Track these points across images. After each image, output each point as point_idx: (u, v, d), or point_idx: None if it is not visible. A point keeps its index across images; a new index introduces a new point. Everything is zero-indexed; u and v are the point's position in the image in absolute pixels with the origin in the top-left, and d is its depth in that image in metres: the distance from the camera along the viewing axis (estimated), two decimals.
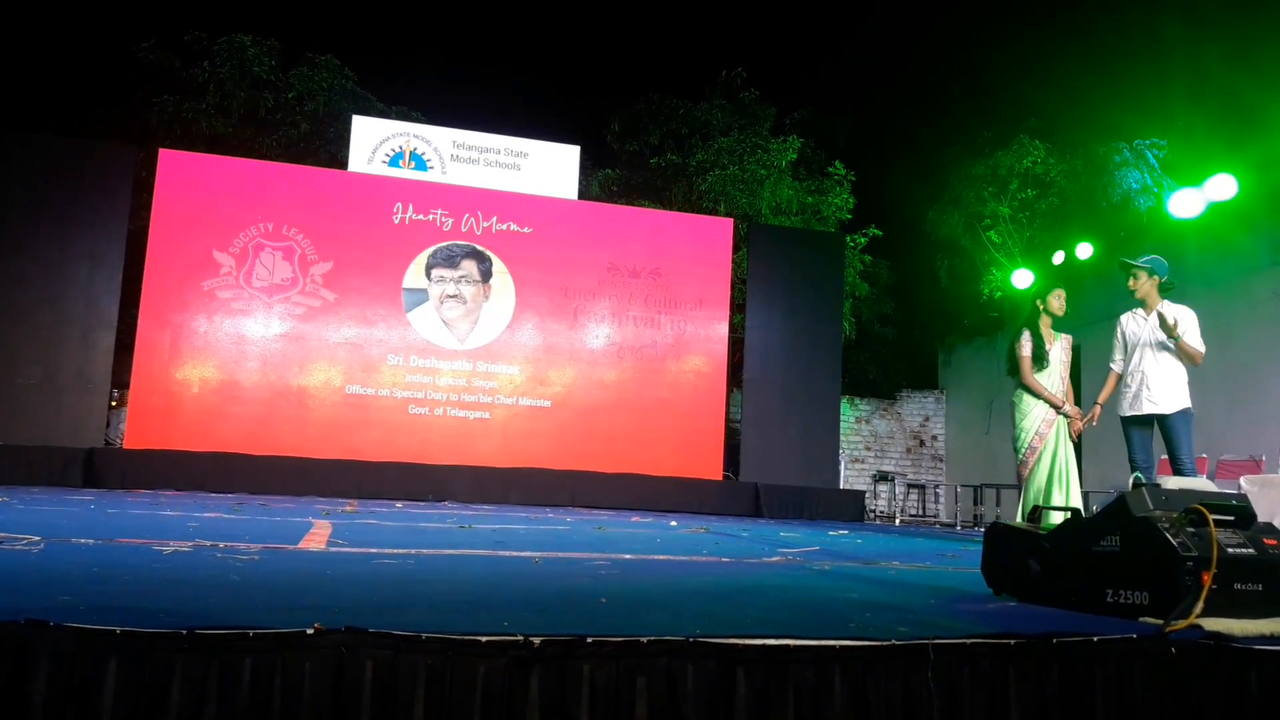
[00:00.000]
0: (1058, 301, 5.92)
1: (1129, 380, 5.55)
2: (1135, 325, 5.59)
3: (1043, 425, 5.75)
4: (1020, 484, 5.83)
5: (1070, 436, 5.78)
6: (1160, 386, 5.39)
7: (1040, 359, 5.79)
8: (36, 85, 14.48)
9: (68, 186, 9.13)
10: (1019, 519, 5.86)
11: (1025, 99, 14.25)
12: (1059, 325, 6.00)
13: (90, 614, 1.61)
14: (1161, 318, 5.22)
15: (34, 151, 9.22)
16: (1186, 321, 5.39)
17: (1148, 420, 5.44)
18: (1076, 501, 5.73)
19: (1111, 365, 5.69)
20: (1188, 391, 5.42)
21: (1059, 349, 5.86)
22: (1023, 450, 5.75)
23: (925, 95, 17.86)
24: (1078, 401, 5.93)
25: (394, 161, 10.26)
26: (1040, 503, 5.68)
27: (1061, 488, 5.69)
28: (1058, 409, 5.70)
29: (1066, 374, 5.87)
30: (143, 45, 14.05)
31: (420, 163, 10.33)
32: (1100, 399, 5.69)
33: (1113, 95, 12.85)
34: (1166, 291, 5.54)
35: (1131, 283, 5.54)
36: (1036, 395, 5.73)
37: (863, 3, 20.23)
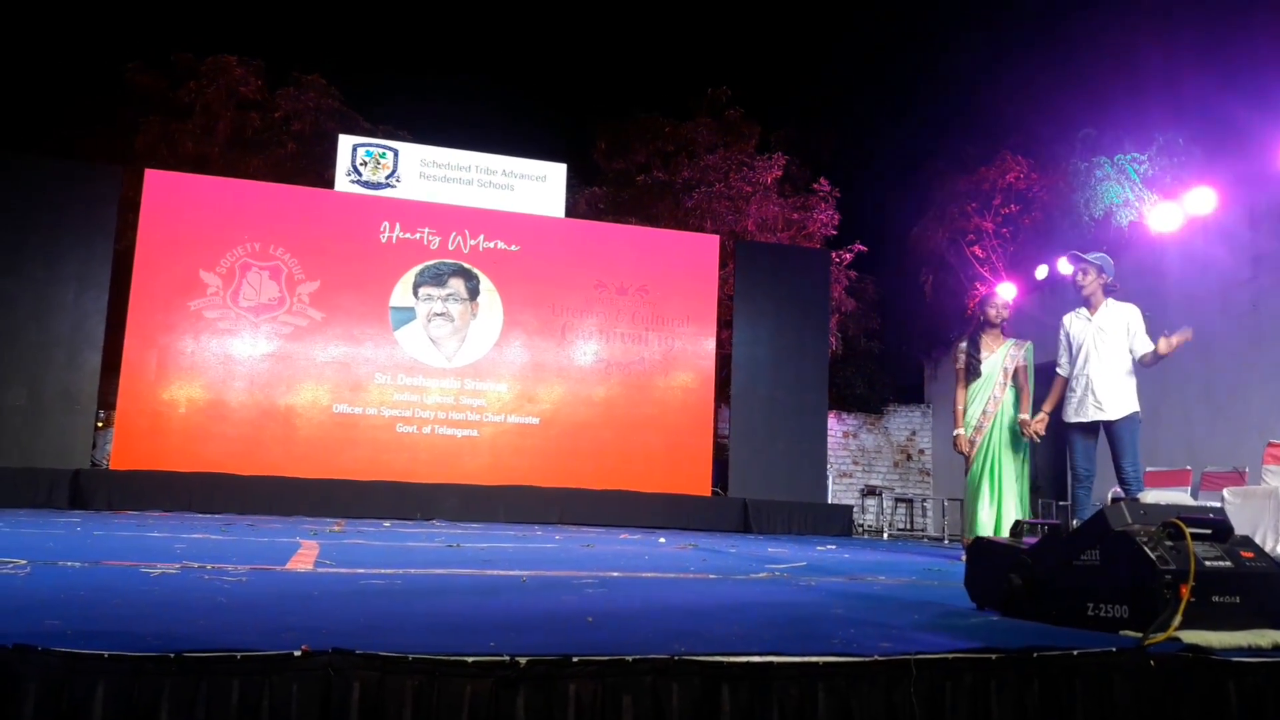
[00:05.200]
0: (994, 310, 5.98)
1: (1074, 384, 5.38)
2: (1079, 326, 5.44)
3: (981, 419, 5.82)
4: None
5: (1020, 435, 5.84)
6: (1107, 391, 5.22)
7: (972, 370, 5.88)
8: (23, 106, 14.47)
9: (54, 207, 9.11)
10: (964, 520, 5.95)
11: (1007, 116, 14.41)
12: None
13: (78, 638, 1.62)
14: (1160, 348, 5.11)
15: (20, 172, 9.21)
16: (1136, 322, 5.29)
17: (1093, 427, 5.29)
18: (1010, 500, 5.72)
19: (1057, 370, 5.55)
20: (1136, 396, 5.25)
21: (999, 357, 5.88)
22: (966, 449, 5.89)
23: (909, 112, 18.03)
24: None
25: (380, 182, 10.26)
26: (972, 498, 5.77)
27: (992, 484, 5.73)
28: (953, 432, 5.90)
29: (1009, 380, 5.87)
30: (129, 66, 14.07)
31: (405, 180, 10.33)
32: (1046, 407, 5.61)
33: (1093, 111, 13.00)
34: (1111, 293, 5.47)
35: (1080, 277, 5.42)
36: (956, 409, 5.92)
37: (847, 22, 20.40)
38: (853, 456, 15.05)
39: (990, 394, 5.85)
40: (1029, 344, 6.07)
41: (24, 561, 3.16)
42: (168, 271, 9.48)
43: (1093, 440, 5.34)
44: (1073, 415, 5.37)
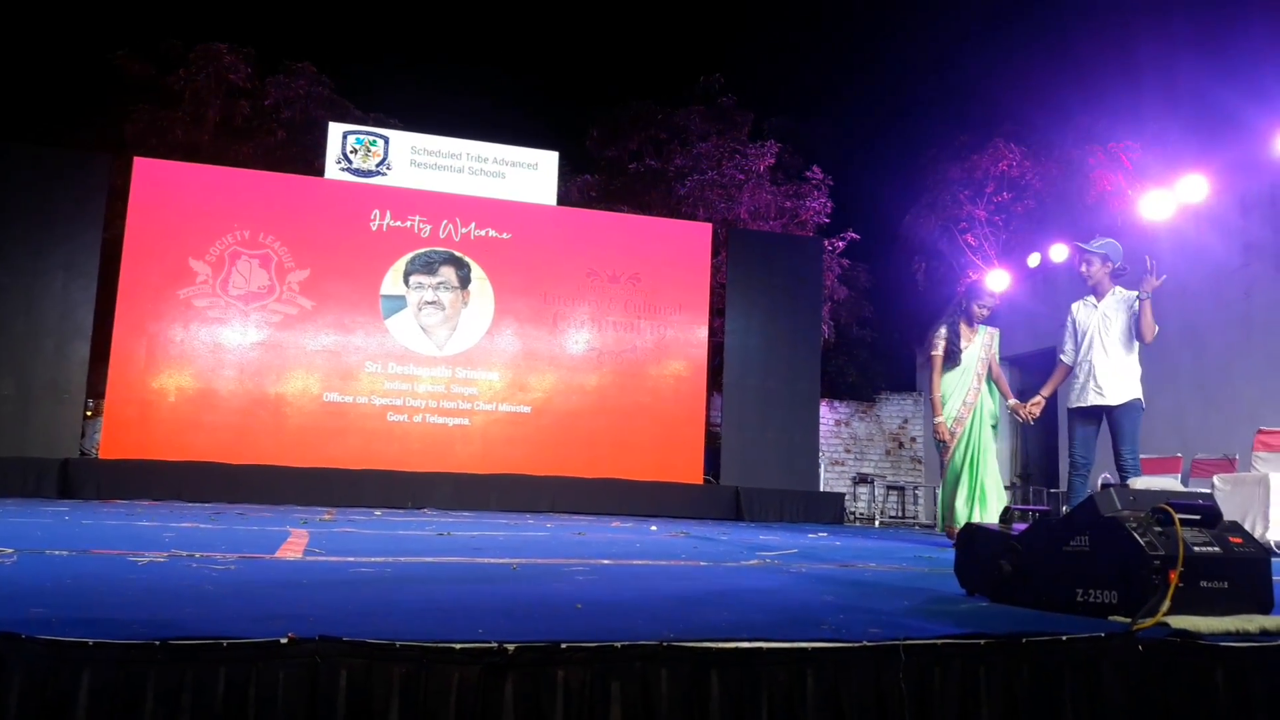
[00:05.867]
0: (980, 307, 5.97)
1: (1077, 371, 5.39)
2: (1085, 313, 5.43)
3: (962, 410, 5.81)
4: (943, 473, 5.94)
5: (989, 422, 5.86)
6: (1109, 377, 5.21)
7: (952, 356, 5.86)
8: (10, 94, 14.37)
9: (42, 196, 9.06)
10: (939, 507, 5.95)
11: (1000, 103, 14.42)
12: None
13: (64, 626, 1.61)
14: (1149, 278, 5.07)
15: (8, 161, 9.14)
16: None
17: (1094, 413, 5.28)
18: (992, 493, 5.72)
19: (1061, 356, 5.55)
20: (1139, 383, 5.24)
21: (976, 347, 5.90)
22: (941, 447, 5.88)
23: (902, 100, 18.01)
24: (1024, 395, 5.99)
25: (370, 170, 10.22)
26: (950, 489, 5.78)
27: (972, 475, 5.74)
28: (934, 420, 5.87)
29: (985, 369, 5.91)
30: (118, 54, 13.97)
31: (396, 168, 10.30)
32: (1044, 391, 5.60)
33: (1086, 99, 13.00)
34: (1119, 278, 5.46)
35: (1084, 269, 5.43)
36: (935, 395, 5.88)
37: (840, 9, 20.35)
38: (845, 444, 15.09)
39: (970, 384, 5.86)
40: (997, 331, 6.11)
41: (11, 550, 3.14)
42: (157, 260, 9.44)
43: (1093, 428, 5.32)
44: (1074, 401, 5.36)
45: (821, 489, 11.77)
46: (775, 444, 10.73)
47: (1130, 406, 5.18)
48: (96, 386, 9.80)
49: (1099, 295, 5.41)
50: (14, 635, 1.48)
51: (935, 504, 12.86)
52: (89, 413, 10.13)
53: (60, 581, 2.44)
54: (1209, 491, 6.45)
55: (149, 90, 13.88)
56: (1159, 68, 12.12)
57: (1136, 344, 5.27)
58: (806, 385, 11.07)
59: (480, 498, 9.38)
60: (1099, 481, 5.63)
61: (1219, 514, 2.44)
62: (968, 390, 5.84)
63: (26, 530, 4.29)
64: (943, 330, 5.95)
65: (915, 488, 14.70)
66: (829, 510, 10.44)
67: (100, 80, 14.06)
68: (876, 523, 12.69)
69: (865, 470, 14.77)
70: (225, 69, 13.88)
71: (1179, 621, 2.14)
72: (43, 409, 8.86)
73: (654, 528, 7.11)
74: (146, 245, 9.43)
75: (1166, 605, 2.18)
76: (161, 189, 9.61)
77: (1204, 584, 2.27)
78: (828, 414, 14.72)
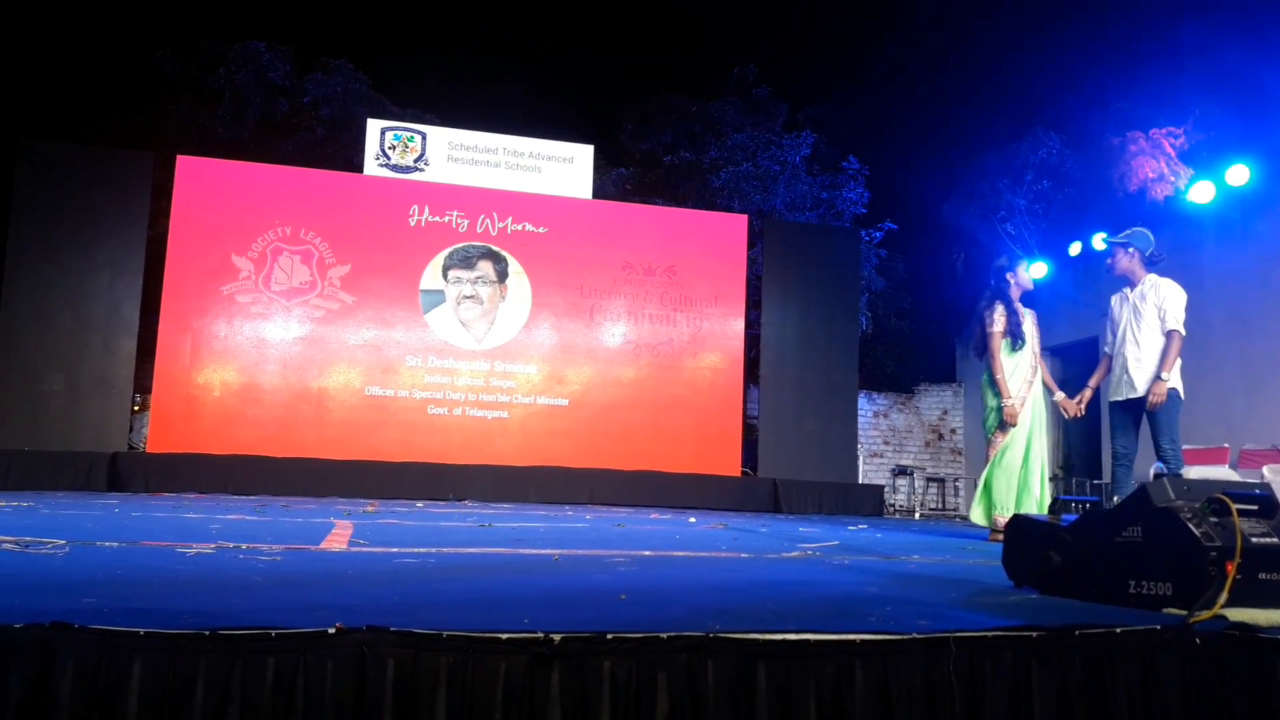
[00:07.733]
0: (1026, 274, 5.70)
1: (1114, 364, 5.31)
2: (1119, 305, 5.35)
3: (1024, 389, 5.54)
4: (986, 463, 5.64)
5: (1042, 406, 5.64)
6: (1140, 369, 5.14)
7: (1015, 336, 5.54)
8: (55, 94, 14.60)
9: (87, 194, 9.21)
10: (975, 502, 5.69)
11: (1039, 90, 14.20)
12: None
13: (114, 616, 1.63)
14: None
15: (54, 160, 9.30)
16: (1171, 300, 5.14)
17: (1130, 405, 5.20)
18: (1041, 479, 5.50)
19: (1104, 348, 5.48)
20: (1175, 373, 5.13)
21: (1030, 324, 5.64)
22: (993, 430, 5.57)
23: (939, 88, 17.81)
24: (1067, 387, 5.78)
25: (409, 165, 10.27)
26: (1016, 486, 5.49)
27: (1025, 460, 5.49)
28: (1004, 403, 5.48)
29: (1039, 349, 5.66)
30: (159, 53, 14.17)
31: (433, 163, 10.35)
32: (1091, 383, 5.49)
33: (1127, 85, 12.77)
34: (1154, 265, 5.34)
35: (1108, 261, 5.37)
36: (996, 383, 5.50)
37: None
38: (883, 436, 14.96)
39: (1030, 363, 5.59)
40: (1035, 313, 5.92)
41: (63, 542, 3.19)
42: (200, 257, 9.57)
43: (1130, 419, 5.24)
44: (1111, 394, 5.31)
45: (860, 481, 11.68)
46: (813, 436, 10.67)
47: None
48: (143, 381, 9.96)
49: (1132, 285, 5.34)
50: (66, 625, 1.50)
51: (973, 494, 12.75)
52: (136, 407, 10.30)
53: (111, 572, 2.47)
54: (1265, 482, 6.32)
55: (189, 89, 14.06)
56: (1201, 51, 11.87)
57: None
58: (844, 377, 10.99)
59: (519, 489, 9.42)
60: (1150, 472, 5.50)
61: (1277, 504, 2.38)
62: (1028, 370, 5.57)
63: (77, 522, 4.37)
64: (1000, 307, 5.61)
65: (955, 479, 14.55)
66: (868, 502, 10.37)
67: (142, 80, 14.27)
68: (916, 515, 12.58)
69: (904, 462, 14.64)
70: (264, 67, 14.03)
71: (1237, 614, 2.10)
72: (91, 404, 9.02)
73: (693, 519, 7.10)
74: (190, 242, 9.56)
75: (1224, 597, 2.13)
76: (204, 186, 9.73)
77: (1262, 576, 2.22)
78: (866, 406, 14.59)
